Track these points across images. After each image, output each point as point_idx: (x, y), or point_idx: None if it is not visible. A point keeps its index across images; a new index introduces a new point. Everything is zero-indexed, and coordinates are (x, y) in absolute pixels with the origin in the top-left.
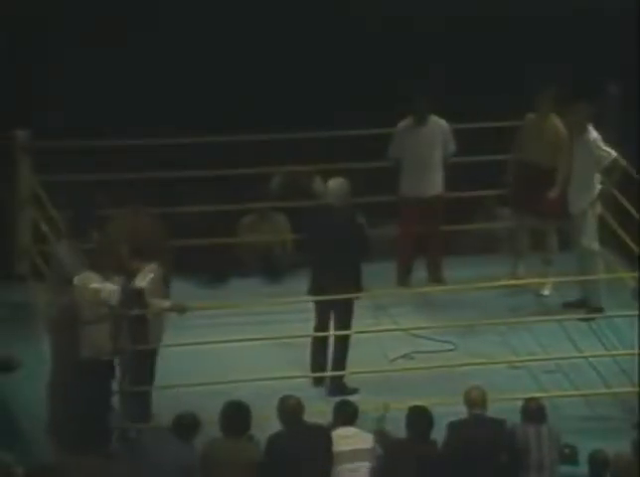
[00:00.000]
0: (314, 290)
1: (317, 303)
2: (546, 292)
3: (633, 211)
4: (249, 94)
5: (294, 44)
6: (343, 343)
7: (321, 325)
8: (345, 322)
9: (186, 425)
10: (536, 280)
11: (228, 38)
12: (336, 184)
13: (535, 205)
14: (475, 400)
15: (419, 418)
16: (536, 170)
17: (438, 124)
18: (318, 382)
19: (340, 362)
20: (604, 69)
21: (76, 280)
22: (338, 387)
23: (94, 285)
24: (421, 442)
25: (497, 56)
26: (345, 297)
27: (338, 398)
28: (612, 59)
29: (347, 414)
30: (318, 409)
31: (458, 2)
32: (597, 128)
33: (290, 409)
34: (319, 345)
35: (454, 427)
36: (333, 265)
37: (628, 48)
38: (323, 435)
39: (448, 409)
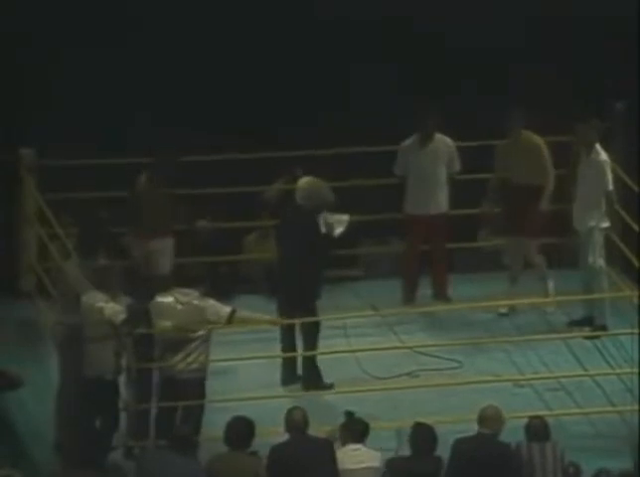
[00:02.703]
0: (279, 291)
1: (282, 308)
2: (550, 308)
3: (635, 226)
4: (253, 110)
5: (300, 57)
6: (310, 340)
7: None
8: (309, 323)
9: (186, 437)
10: (541, 300)
11: (232, 41)
12: (305, 184)
13: (515, 222)
14: (487, 419)
15: (423, 435)
16: (514, 189)
17: (443, 142)
18: (288, 380)
19: (310, 359)
20: (605, 73)
21: (83, 299)
22: (313, 382)
23: (100, 304)
24: (425, 459)
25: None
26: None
27: (346, 416)
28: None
29: (357, 432)
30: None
31: (457, 5)
32: (605, 146)
33: (294, 421)
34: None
35: (457, 444)
36: (292, 265)
37: (629, 52)
38: (326, 448)
39: (454, 427)
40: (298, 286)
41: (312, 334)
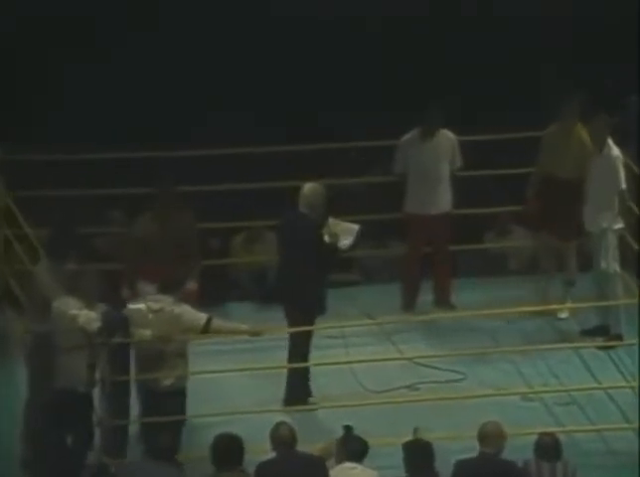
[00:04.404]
0: (274, 296)
1: (287, 318)
2: (563, 315)
3: None
4: (248, 106)
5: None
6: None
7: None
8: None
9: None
10: (551, 306)
11: (225, 46)
12: (308, 190)
13: (553, 222)
14: (488, 436)
15: (417, 452)
16: (557, 184)
17: (446, 137)
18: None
19: (302, 373)
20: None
21: (54, 305)
22: (297, 399)
23: (72, 311)
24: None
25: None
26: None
27: (344, 433)
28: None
29: (355, 452)
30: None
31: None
32: (619, 140)
33: (281, 437)
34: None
35: (458, 467)
36: (292, 274)
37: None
38: (316, 464)
39: (457, 445)
40: (298, 296)
41: (303, 347)
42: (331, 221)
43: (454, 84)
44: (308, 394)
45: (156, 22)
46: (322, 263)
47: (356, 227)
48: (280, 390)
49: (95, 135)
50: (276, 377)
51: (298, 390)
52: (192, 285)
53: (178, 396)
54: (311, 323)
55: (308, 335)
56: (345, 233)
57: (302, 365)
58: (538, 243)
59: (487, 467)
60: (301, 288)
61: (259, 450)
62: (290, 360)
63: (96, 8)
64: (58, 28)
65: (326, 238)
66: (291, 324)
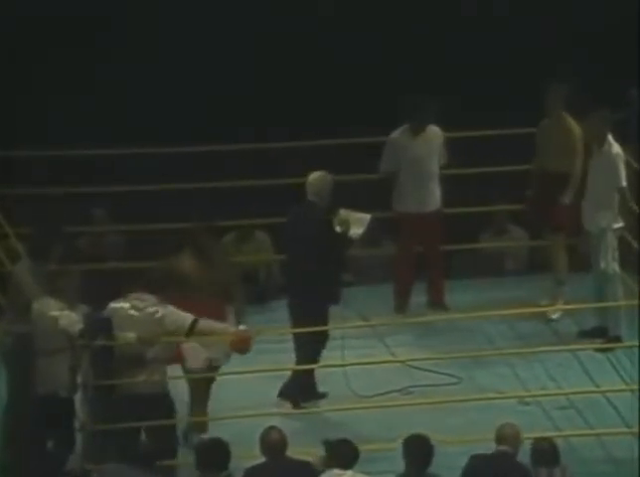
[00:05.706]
0: (287, 290)
1: (292, 315)
2: (554, 315)
3: None
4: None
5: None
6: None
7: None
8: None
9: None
10: (547, 308)
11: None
12: (315, 179)
13: (546, 216)
14: (505, 438)
15: (417, 448)
16: (549, 178)
17: (434, 132)
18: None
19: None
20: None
21: (34, 306)
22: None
23: (54, 312)
24: (421, 474)
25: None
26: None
27: (335, 439)
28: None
29: (345, 457)
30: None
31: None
32: (619, 136)
33: (272, 443)
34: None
35: (475, 461)
36: (300, 268)
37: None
38: (305, 470)
39: (452, 450)
40: (309, 288)
41: (309, 345)
42: (342, 211)
43: (454, 84)
44: (316, 396)
45: (156, 22)
46: (333, 253)
47: (367, 216)
48: (274, 392)
49: (92, 135)
50: (272, 380)
51: (295, 389)
52: (244, 331)
53: (159, 400)
54: (324, 317)
55: (313, 334)
56: (356, 222)
57: (293, 368)
58: (548, 242)
59: (505, 466)
60: (312, 279)
61: (250, 455)
62: (296, 361)
63: (97, 8)
64: (58, 28)
65: (337, 228)
66: (295, 321)
